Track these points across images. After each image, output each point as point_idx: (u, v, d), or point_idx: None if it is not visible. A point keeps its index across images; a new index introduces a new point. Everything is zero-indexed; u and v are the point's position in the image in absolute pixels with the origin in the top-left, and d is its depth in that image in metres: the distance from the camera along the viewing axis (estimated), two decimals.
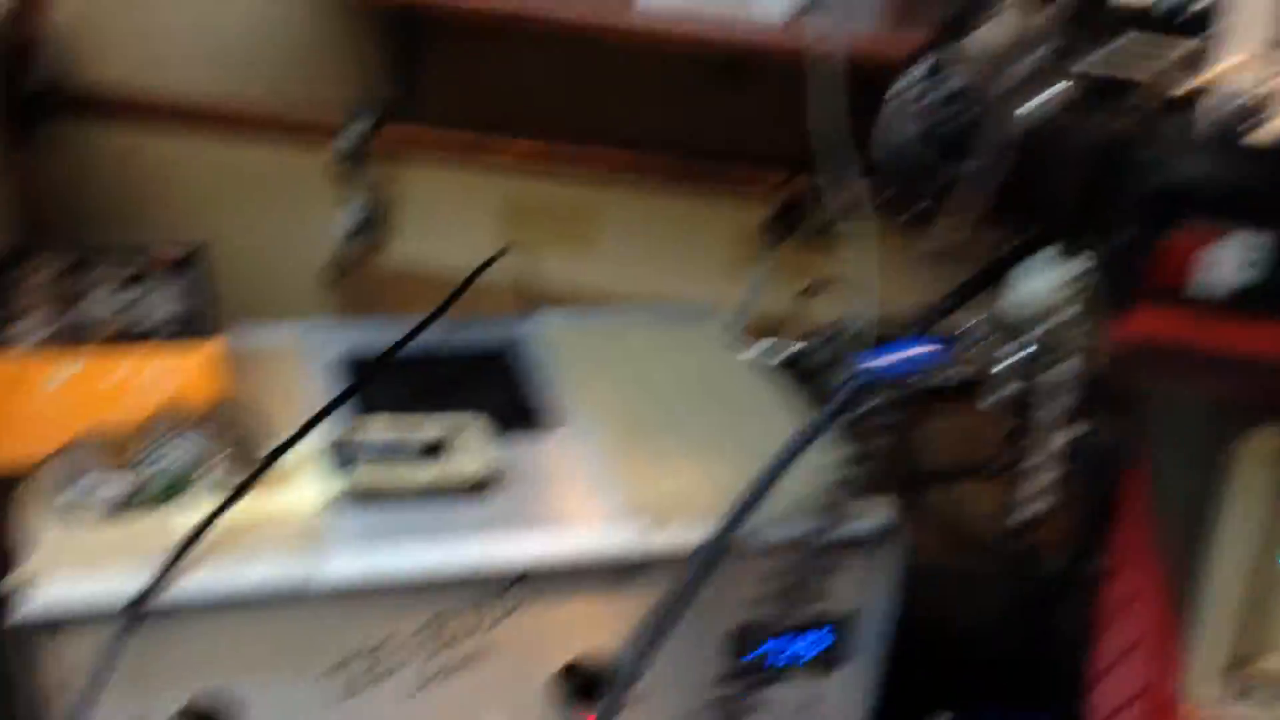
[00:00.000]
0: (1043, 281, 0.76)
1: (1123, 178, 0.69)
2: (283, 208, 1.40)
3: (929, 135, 0.78)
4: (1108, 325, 0.77)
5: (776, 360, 1.25)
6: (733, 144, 1.32)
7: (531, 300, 1.31)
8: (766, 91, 1.26)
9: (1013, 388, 0.80)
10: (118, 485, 0.83)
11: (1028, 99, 0.73)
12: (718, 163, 1.32)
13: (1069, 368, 0.78)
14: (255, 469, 0.85)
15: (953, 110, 0.77)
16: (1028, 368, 0.79)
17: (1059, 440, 0.80)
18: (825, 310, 1.30)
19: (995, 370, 0.80)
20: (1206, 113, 0.67)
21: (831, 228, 1.29)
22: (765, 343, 1.28)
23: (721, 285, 1.33)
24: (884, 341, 1.17)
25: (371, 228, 1.38)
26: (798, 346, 1.26)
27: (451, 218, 1.40)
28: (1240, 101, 0.65)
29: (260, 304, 1.37)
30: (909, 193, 1.01)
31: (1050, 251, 0.77)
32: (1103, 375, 0.97)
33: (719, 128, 1.31)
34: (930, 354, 0.85)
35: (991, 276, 0.84)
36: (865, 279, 1.14)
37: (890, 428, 0.91)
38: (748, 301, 1.28)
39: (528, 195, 1.38)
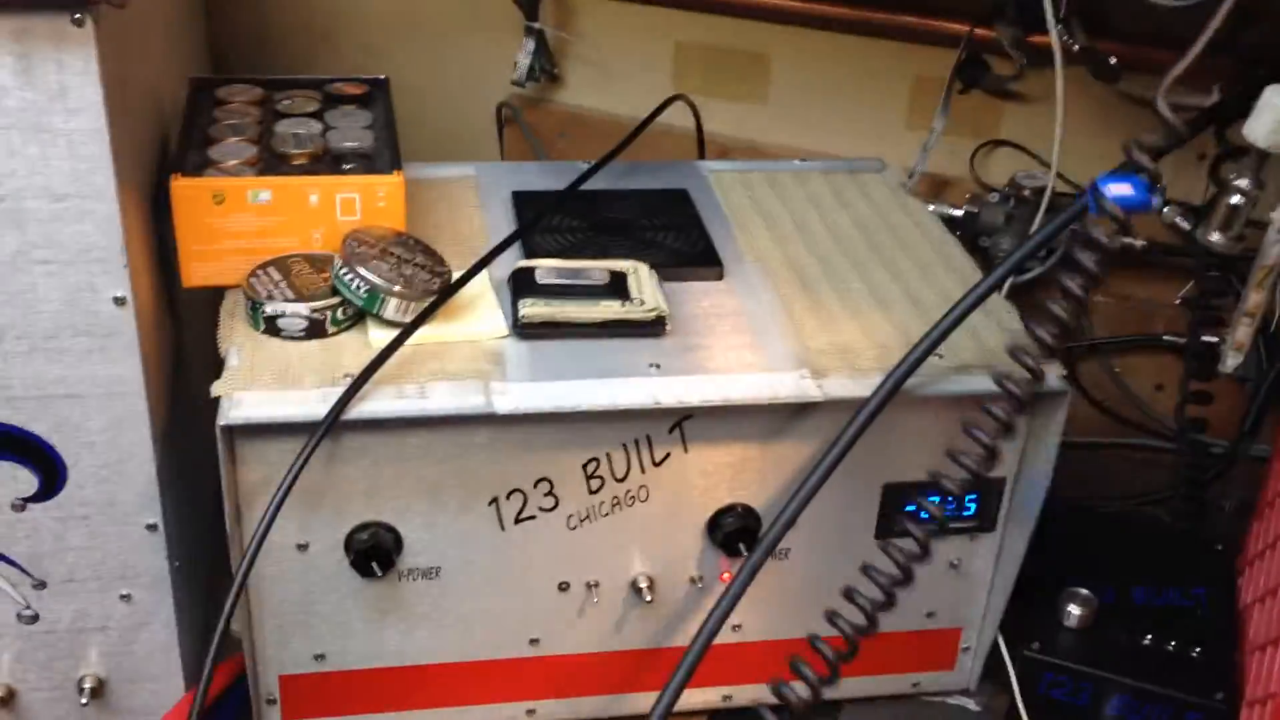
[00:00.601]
0: (1264, 121, 0.73)
1: None
2: (459, 47, 1.41)
3: None
4: None
5: (950, 215, 1.24)
6: None
7: (702, 148, 1.31)
8: None
9: (1223, 237, 0.77)
10: (310, 306, 0.87)
11: None
12: (897, 12, 1.28)
13: None
14: (437, 297, 0.88)
15: None
16: (1236, 213, 0.76)
17: (1261, 296, 0.77)
18: (1001, 169, 1.27)
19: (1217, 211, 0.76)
20: None
21: (1013, 83, 1.25)
22: (939, 200, 1.26)
23: (894, 141, 1.30)
24: (1058, 204, 1.15)
25: (546, 69, 1.39)
26: (971, 206, 1.24)
27: (624, 63, 1.39)
28: None
29: (435, 142, 1.40)
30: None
31: (1275, 90, 0.73)
32: None
33: None
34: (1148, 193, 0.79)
35: (1209, 120, 0.80)
36: (1046, 137, 1.11)
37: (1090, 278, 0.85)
38: (922, 157, 1.25)
39: (701, 42, 1.36)
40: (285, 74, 1.10)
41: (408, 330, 0.86)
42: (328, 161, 0.94)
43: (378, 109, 1.03)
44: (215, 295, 0.92)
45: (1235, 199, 0.75)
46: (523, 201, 1.07)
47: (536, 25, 1.36)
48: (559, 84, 1.42)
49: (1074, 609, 0.98)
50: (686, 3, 1.34)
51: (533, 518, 0.89)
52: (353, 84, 1.07)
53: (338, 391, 0.81)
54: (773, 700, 0.79)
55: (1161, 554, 1.06)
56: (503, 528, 0.89)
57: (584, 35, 1.39)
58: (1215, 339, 0.99)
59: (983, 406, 0.80)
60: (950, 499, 0.84)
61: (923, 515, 0.92)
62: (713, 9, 1.34)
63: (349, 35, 1.43)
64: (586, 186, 1.09)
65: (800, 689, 0.77)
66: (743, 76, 1.36)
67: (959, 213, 1.25)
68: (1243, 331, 0.79)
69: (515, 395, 0.84)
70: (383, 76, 1.08)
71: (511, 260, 0.96)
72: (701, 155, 1.31)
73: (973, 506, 0.94)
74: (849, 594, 0.80)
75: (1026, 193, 1.21)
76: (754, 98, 1.37)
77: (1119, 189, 0.74)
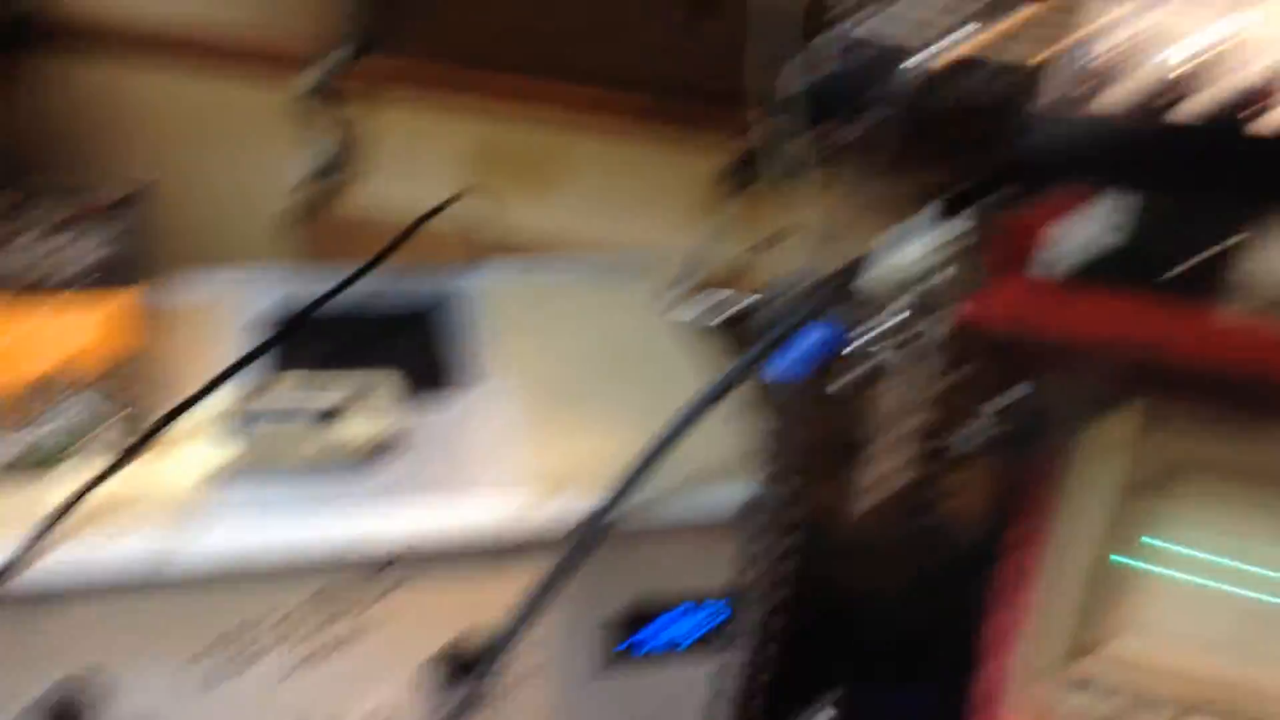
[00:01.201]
0: (916, 244, 0.73)
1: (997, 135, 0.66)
2: (245, 146, 1.39)
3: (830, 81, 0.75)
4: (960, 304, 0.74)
5: (725, 315, 1.23)
6: (707, 81, 1.27)
7: (485, 248, 1.30)
8: (741, 24, 1.22)
9: (875, 361, 0.77)
10: (4, 448, 0.84)
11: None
12: (689, 102, 1.28)
13: (935, 336, 0.75)
14: (140, 435, 0.85)
15: (854, 58, 0.74)
16: (895, 336, 0.76)
17: (914, 421, 0.77)
18: (786, 262, 1.27)
19: (858, 341, 0.77)
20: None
21: (791, 176, 1.25)
22: (717, 296, 1.25)
23: (685, 233, 1.30)
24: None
25: (337, 169, 1.37)
26: (748, 301, 1.24)
27: (421, 160, 1.38)
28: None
29: (220, 247, 1.37)
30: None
31: (927, 213, 0.74)
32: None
33: (694, 64, 1.27)
34: (827, 340, 0.82)
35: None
36: (815, 232, 1.11)
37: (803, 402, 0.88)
38: (701, 253, 1.24)
39: (498, 138, 1.35)
40: (63, 172, 1.06)
41: (101, 475, 0.82)
42: (55, 284, 0.91)
43: (129, 219, 1.00)
44: None
45: None
46: (282, 316, 1.04)
47: (330, 125, 1.34)
48: (353, 185, 1.40)
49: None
50: (484, 97, 1.33)
51: (247, 668, 0.85)
52: (107, 191, 1.03)
53: (12, 545, 0.77)
54: None
55: (911, 651, 1.05)
56: (213, 684, 0.85)
57: (380, 135, 1.37)
58: None
59: None
60: None
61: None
62: (508, 110, 1.33)
63: (133, 133, 1.40)
64: (349, 295, 1.07)
65: None
66: (536, 172, 1.35)
67: (746, 304, 1.24)
68: (880, 468, 0.80)
69: (211, 542, 0.81)
70: (144, 181, 1.05)
71: (252, 381, 0.92)
72: (483, 256, 1.29)
73: (708, 625, 0.92)
74: None
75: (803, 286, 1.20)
76: (547, 192, 1.36)
77: (784, 363, 0.76)
